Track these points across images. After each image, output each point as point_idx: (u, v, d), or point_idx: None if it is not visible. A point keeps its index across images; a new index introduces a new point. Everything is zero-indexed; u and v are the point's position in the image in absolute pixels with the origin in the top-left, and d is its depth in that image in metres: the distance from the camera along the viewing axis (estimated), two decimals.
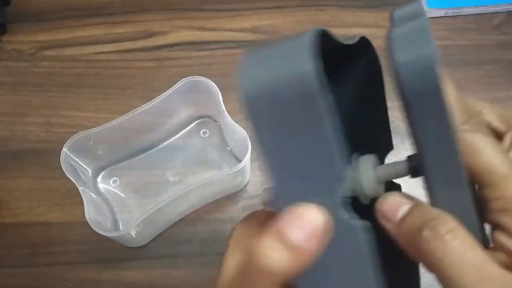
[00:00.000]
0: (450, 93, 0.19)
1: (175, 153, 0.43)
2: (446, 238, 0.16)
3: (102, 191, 0.42)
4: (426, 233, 0.16)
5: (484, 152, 0.18)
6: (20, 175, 0.43)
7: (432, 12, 0.50)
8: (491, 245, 0.18)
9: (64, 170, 0.36)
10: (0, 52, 0.50)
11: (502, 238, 0.17)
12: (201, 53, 0.49)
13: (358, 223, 0.17)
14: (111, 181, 0.42)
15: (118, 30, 0.51)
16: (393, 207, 0.18)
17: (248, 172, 0.41)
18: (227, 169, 0.36)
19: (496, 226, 0.18)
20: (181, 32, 0.51)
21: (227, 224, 0.41)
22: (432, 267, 0.16)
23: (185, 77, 0.40)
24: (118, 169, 0.43)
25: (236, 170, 0.36)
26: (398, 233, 0.18)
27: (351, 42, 0.21)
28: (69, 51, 0.50)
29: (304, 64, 0.17)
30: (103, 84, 0.48)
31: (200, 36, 0.50)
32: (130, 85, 0.47)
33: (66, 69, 0.49)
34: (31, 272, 0.40)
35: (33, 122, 0.46)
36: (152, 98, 0.39)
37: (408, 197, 0.19)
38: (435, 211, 0.17)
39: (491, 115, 0.21)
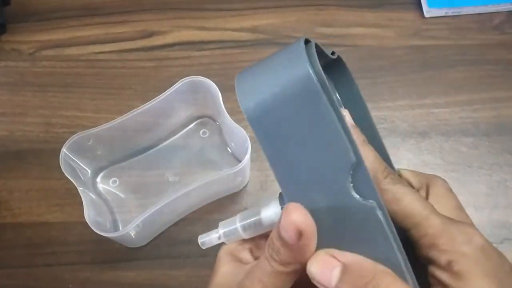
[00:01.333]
0: (369, 155, 0.21)
1: (175, 153, 0.43)
2: None
3: (102, 191, 0.42)
4: None
5: (405, 199, 0.20)
6: (20, 175, 0.43)
7: (432, 11, 0.50)
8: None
9: (63, 170, 0.36)
10: None
11: (436, 272, 0.19)
12: (201, 53, 0.49)
13: (372, 203, 0.19)
14: (110, 181, 0.42)
15: (118, 30, 0.51)
16: (325, 273, 0.18)
17: (248, 172, 0.41)
18: (227, 169, 0.36)
19: (428, 261, 0.20)
20: (181, 32, 0.51)
21: None
22: None
23: (185, 77, 0.39)
24: (118, 169, 0.43)
25: (236, 170, 0.36)
26: None
27: (332, 57, 0.23)
28: (68, 51, 0.50)
29: (302, 64, 0.18)
30: (102, 84, 0.48)
31: (200, 36, 0.50)
32: (130, 85, 0.47)
33: (66, 69, 0.49)
34: (31, 272, 0.40)
35: (32, 122, 0.46)
36: (152, 98, 0.39)
37: (336, 253, 0.19)
38: (370, 267, 0.18)
39: (407, 174, 0.24)
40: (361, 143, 0.21)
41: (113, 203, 0.41)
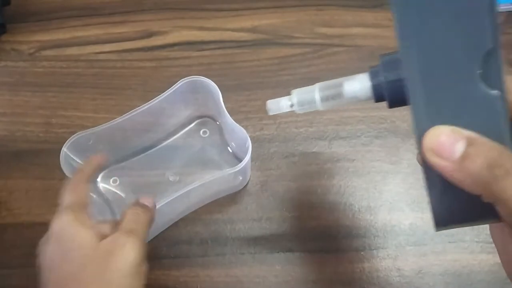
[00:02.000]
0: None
1: (175, 153, 0.43)
2: None
3: (102, 191, 0.42)
4: (497, 171, 0.17)
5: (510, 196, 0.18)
6: (20, 175, 0.43)
7: None
8: None
9: (63, 170, 0.36)
10: None
11: None
12: (201, 53, 0.49)
13: (497, 93, 0.19)
14: (111, 180, 0.42)
15: (118, 30, 0.51)
16: (448, 144, 0.18)
17: (248, 172, 0.41)
18: (228, 169, 0.36)
19: None
20: (181, 32, 0.51)
21: (227, 224, 0.41)
22: (502, 203, 0.17)
23: (185, 76, 0.39)
24: (118, 169, 0.43)
25: (236, 170, 0.36)
26: (458, 171, 0.18)
27: None
28: (68, 51, 0.50)
29: None
30: (102, 84, 0.48)
31: (200, 36, 0.50)
32: (130, 85, 0.47)
33: (66, 69, 0.49)
34: (31, 273, 0.39)
35: (32, 122, 0.46)
36: (152, 98, 0.39)
37: (459, 131, 0.18)
38: (497, 147, 0.18)
39: None
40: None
41: (113, 202, 0.41)
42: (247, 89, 0.46)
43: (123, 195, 0.42)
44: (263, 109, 0.26)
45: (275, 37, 0.50)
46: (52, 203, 0.42)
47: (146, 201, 0.32)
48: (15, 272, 0.39)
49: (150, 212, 0.32)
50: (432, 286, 0.38)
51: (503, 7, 0.50)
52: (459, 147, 0.18)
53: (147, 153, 0.43)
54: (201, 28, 0.51)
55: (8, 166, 0.44)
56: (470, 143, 0.18)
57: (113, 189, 0.42)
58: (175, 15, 0.52)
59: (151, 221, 0.32)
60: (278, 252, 0.39)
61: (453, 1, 0.19)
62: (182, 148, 0.44)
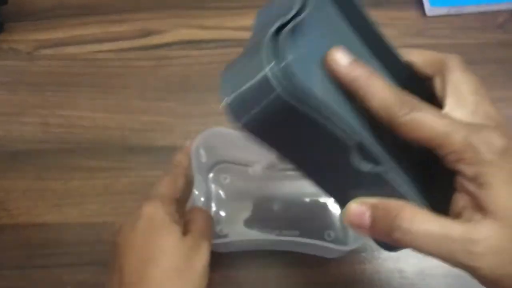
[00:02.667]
0: (378, 87, 0.21)
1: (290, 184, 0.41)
2: (412, 230, 0.20)
3: (209, 184, 0.41)
4: (396, 235, 0.21)
5: (423, 125, 0.21)
6: (17, 175, 0.43)
7: (434, 10, 0.50)
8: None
9: (193, 164, 0.36)
10: None
11: (463, 182, 0.21)
12: (200, 52, 0.49)
13: (382, 168, 0.21)
14: (221, 177, 0.41)
15: (116, 28, 0.50)
16: (359, 217, 0.22)
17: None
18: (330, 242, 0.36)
19: (456, 172, 0.21)
20: (179, 30, 0.50)
21: None
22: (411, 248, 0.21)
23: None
24: (234, 168, 0.41)
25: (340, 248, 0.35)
26: (374, 234, 0.22)
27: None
28: (66, 50, 0.49)
29: (264, 65, 0.18)
30: (101, 83, 0.47)
31: (199, 34, 0.50)
32: (128, 85, 0.47)
33: (64, 68, 0.48)
34: (29, 274, 0.39)
35: (30, 122, 0.45)
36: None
37: (365, 202, 0.23)
38: (393, 204, 0.22)
39: (419, 57, 0.25)
40: (368, 77, 0.21)
41: (214, 198, 0.40)
42: None
43: (224, 194, 0.41)
44: None
45: None
46: (50, 203, 0.42)
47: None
48: (13, 273, 0.39)
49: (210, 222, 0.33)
50: None
51: (507, 5, 0.50)
52: (367, 218, 0.22)
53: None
54: (200, 27, 0.50)
55: (6, 166, 0.43)
56: (373, 210, 0.22)
57: (219, 187, 0.41)
58: (173, 13, 0.51)
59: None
60: (277, 252, 0.39)
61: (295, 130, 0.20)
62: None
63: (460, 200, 0.21)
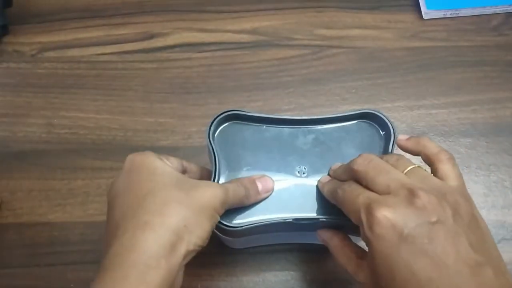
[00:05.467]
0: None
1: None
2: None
3: None
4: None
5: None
6: (22, 175, 0.44)
7: (430, 13, 0.51)
8: None
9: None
10: (1, 53, 0.50)
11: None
12: (202, 55, 0.49)
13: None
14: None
15: (119, 31, 0.51)
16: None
17: None
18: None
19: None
20: (181, 33, 0.51)
21: None
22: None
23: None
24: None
25: None
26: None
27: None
28: (70, 53, 0.50)
29: None
30: (104, 85, 0.48)
31: (201, 37, 0.51)
32: (131, 87, 0.48)
33: (67, 70, 0.49)
34: (33, 272, 0.40)
35: (34, 123, 0.46)
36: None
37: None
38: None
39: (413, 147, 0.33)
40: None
41: None
42: (247, 90, 0.47)
43: None
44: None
45: (275, 39, 0.50)
46: (54, 203, 0.42)
47: (264, 182, 0.31)
48: (17, 272, 0.40)
49: (253, 193, 0.30)
50: None
51: (500, 8, 0.51)
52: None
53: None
54: (202, 30, 0.51)
55: (10, 167, 0.44)
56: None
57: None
58: (176, 17, 0.52)
59: (244, 199, 0.30)
60: (277, 252, 0.39)
61: None
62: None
63: None
